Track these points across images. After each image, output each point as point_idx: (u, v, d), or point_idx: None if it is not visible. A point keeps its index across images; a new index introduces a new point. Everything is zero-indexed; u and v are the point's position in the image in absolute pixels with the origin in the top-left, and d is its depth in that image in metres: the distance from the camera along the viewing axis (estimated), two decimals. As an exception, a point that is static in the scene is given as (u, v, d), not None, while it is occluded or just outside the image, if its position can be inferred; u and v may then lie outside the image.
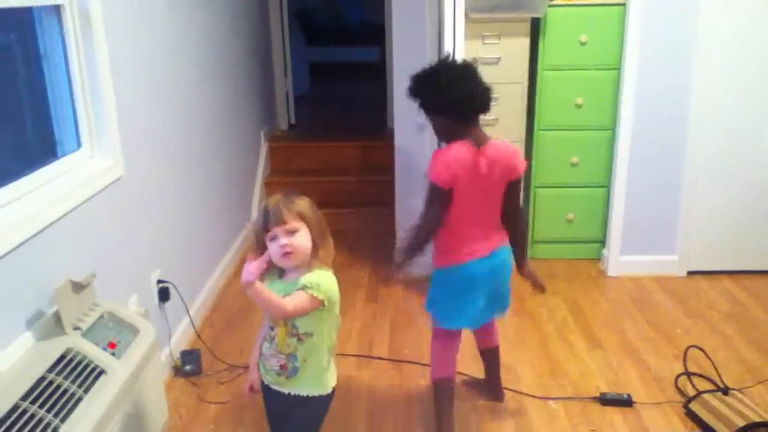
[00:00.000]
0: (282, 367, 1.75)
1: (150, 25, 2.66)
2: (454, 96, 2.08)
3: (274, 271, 1.76)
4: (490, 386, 2.58)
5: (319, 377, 1.79)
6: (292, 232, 1.68)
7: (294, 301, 1.65)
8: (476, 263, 2.19)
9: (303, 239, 1.70)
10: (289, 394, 1.79)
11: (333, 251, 1.79)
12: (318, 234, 1.74)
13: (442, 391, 2.34)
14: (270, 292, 1.64)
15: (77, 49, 2.18)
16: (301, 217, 1.70)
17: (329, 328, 1.77)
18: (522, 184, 2.33)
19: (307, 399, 1.78)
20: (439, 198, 2.13)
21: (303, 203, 1.73)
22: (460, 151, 2.11)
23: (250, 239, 4.22)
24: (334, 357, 1.83)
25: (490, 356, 2.54)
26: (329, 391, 1.82)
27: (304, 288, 1.66)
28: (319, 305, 1.68)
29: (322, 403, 1.81)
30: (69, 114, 2.25)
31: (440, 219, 2.16)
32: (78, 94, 2.22)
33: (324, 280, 1.71)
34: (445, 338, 2.33)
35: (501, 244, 2.24)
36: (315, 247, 1.73)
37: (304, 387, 1.78)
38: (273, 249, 1.68)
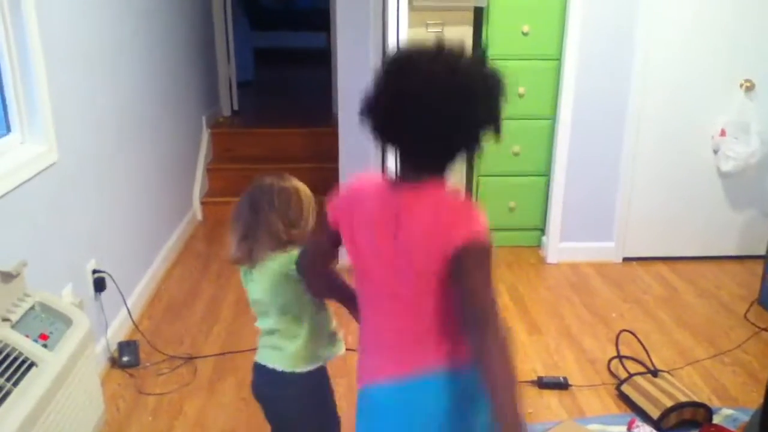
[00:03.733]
0: None
1: (85, 5, 2.57)
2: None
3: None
4: None
5: None
6: None
7: None
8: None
9: None
10: None
11: None
12: None
13: None
14: None
15: (5, 29, 2.09)
16: None
17: None
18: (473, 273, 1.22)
19: None
20: None
21: None
22: None
23: (193, 227, 4.14)
24: None
25: None
26: None
27: None
28: None
29: None
30: (-3, 97, 2.17)
31: None
32: (7, 75, 2.14)
33: None
34: None
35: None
36: None
37: None
38: None
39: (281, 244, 1.59)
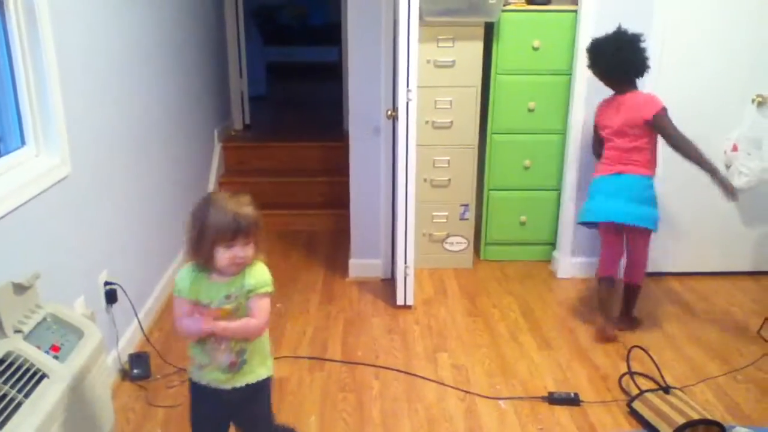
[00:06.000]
0: (231, 364, 1.77)
1: (100, 20, 2.61)
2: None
3: (197, 269, 1.75)
4: (621, 316, 3.14)
5: (265, 361, 1.84)
6: (248, 244, 1.70)
7: (262, 312, 1.73)
8: None
9: (252, 250, 1.72)
10: (234, 388, 1.79)
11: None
12: (262, 238, 1.74)
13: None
14: (235, 323, 1.70)
15: (21, 44, 2.12)
16: (256, 227, 1.71)
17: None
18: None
19: (258, 385, 1.82)
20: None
21: (255, 212, 1.72)
22: None
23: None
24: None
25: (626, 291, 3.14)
26: (272, 370, 1.88)
27: (257, 291, 1.72)
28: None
29: (268, 383, 1.87)
30: (12, 110, 2.19)
31: None
32: (22, 89, 2.17)
33: (264, 272, 1.76)
34: None
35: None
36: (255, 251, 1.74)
37: (252, 376, 1.81)
38: (224, 256, 1.68)
39: None
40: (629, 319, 3.14)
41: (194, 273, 1.74)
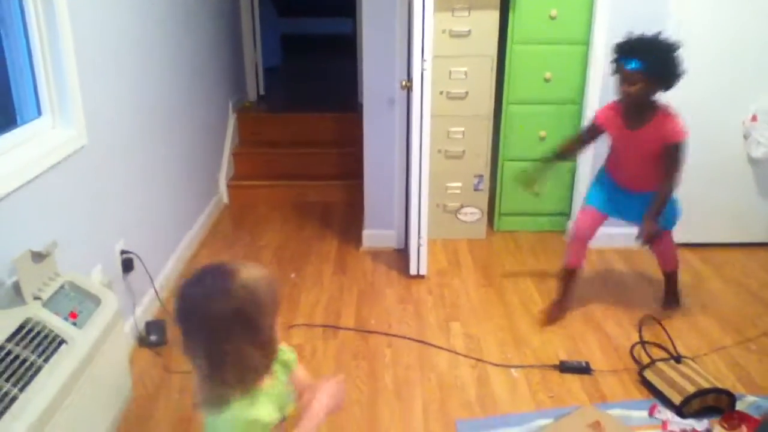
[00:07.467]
0: None
1: (112, -9, 2.61)
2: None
3: (251, 391, 1.28)
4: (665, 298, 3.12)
5: None
6: None
7: (310, 378, 1.51)
8: None
9: None
10: None
11: None
12: None
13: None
14: (322, 402, 1.38)
15: (37, 14, 2.13)
16: None
17: None
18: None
19: None
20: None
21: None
22: None
23: (220, 210, 4.19)
24: None
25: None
26: None
27: (296, 358, 1.47)
28: None
29: None
30: (29, 81, 2.21)
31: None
32: (38, 60, 2.18)
33: None
34: None
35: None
36: None
37: None
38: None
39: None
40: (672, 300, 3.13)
41: (254, 397, 1.27)
